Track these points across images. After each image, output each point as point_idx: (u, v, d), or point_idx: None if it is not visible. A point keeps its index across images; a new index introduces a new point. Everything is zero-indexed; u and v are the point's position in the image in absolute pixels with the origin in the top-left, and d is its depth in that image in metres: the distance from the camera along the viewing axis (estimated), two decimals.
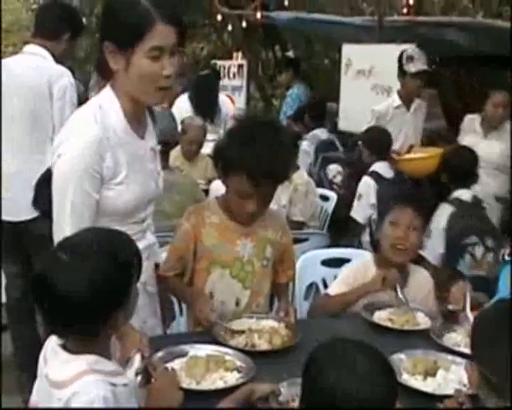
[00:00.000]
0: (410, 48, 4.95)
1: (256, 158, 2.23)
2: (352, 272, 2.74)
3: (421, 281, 2.77)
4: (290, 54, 10.38)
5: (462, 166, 4.05)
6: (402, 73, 4.89)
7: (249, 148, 2.25)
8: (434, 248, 3.69)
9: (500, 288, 2.41)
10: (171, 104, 5.82)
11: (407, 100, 5.00)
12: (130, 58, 1.94)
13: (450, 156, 4.14)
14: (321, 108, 6.57)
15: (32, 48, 3.38)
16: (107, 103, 2.04)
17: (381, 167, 4.53)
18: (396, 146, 4.85)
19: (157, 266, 2.42)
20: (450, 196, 3.92)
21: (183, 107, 5.91)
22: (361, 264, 2.79)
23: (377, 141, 4.70)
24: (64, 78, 3.30)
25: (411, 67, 4.81)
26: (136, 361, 1.78)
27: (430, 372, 2.01)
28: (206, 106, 5.92)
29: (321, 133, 6.19)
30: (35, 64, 3.31)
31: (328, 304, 2.64)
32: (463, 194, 3.91)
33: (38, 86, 3.25)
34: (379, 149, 4.64)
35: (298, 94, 7.52)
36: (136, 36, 1.91)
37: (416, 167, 4.67)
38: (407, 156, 4.79)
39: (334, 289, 2.70)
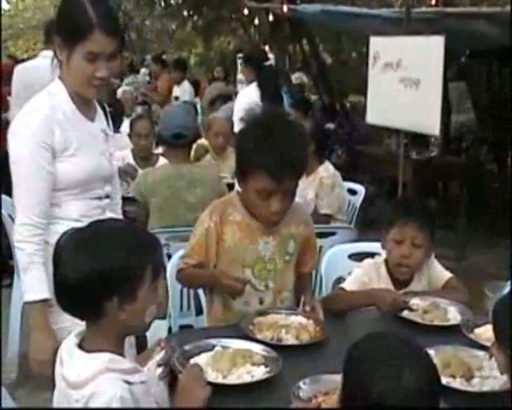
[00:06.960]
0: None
1: (275, 153, 2.20)
2: (366, 270, 2.65)
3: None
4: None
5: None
6: None
7: (267, 143, 2.22)
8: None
9: None
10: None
11: None
12: (70, 55, 2.22)
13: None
14: None
15: None
16: (55, 90, 2.29)
17: None
18: None
19: None
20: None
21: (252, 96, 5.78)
22: (373, 263, 2.69)
23: None
24: None
25: None
26: (158, 353, 1.78)
27: (466, 376, 1.96)
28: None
29: None
30: None
31: (340, 299, 2.52)
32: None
33: None
34: None
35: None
36: (75, 39, 2.19)
37: None
38: None
39: (347, 287, 2.60)
